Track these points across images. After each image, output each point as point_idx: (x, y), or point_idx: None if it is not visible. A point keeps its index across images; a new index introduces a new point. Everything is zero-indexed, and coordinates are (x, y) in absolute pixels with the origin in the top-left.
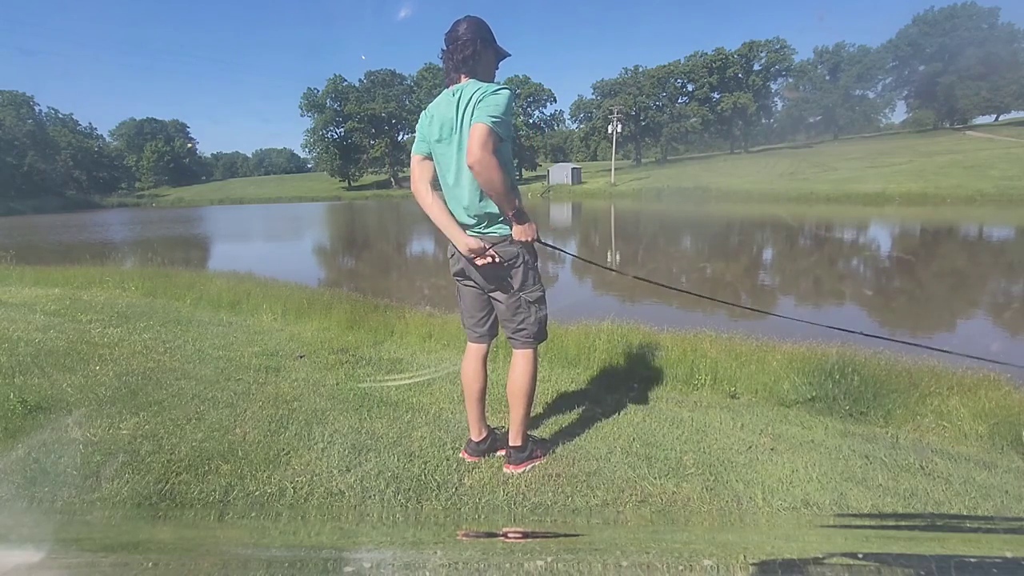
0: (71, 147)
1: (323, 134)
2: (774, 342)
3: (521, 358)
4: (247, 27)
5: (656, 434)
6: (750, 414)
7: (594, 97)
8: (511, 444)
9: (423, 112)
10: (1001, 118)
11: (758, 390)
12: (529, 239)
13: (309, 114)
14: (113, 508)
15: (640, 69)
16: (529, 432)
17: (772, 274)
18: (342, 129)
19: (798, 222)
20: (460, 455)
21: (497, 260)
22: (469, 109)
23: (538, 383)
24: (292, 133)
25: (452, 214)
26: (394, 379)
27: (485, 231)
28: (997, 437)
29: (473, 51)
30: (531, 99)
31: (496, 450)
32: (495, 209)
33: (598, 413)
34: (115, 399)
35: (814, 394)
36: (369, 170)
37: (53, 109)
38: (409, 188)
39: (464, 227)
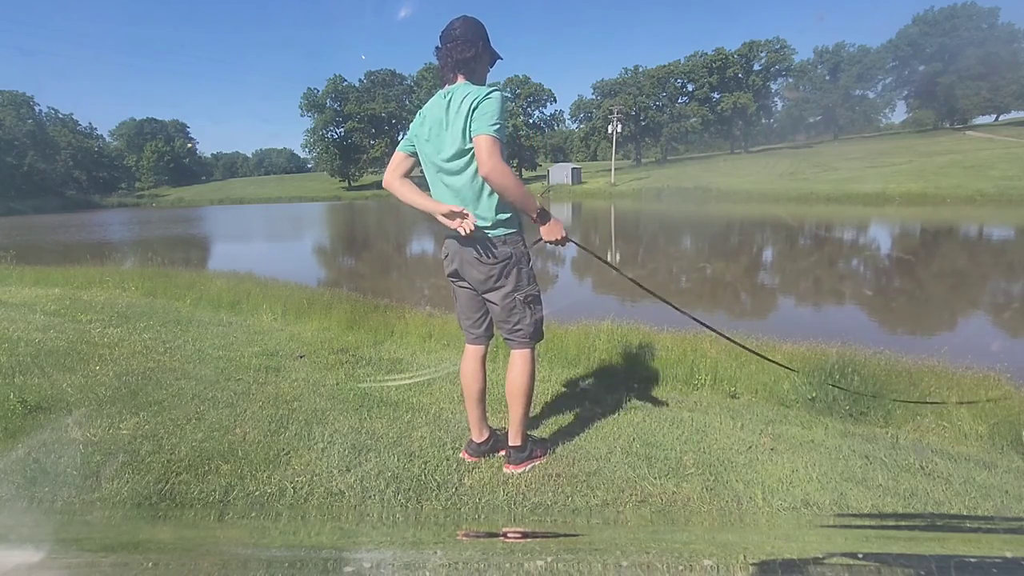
0: (71, 147)
1: (323, 134)
2: (774, 342)
3: (519, 358)
4: (247, 27)
5: (656, 434)
6: (750, 414)
7: (594, 97)
8: (511, 444)
9: (418, 112)
10: (1001, 118)
11: (758, 390)
12: (558, 238)
13: (309, 114)
14: (113, 508)
15: (640, 69)
16: (529, 432)
17: (771, 274)
18: (342, 129)
19: (798, 222)
20: (460, 455)
21: (475, 227)
22: (460, 116)
23: (538, 383)
24: (292, 133)
25: (420, 192)
26: (394, 379)
27: (482, 234)
28: (997, 437)
29: (475, 53)
30: (531, 99)
31: (497, 451)
32: (482, 211)
33: (598, 413)
34: (115, 399)
35: (814, 394)
36: (369, 170)
37: (53, 109)
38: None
39: (453, 238)
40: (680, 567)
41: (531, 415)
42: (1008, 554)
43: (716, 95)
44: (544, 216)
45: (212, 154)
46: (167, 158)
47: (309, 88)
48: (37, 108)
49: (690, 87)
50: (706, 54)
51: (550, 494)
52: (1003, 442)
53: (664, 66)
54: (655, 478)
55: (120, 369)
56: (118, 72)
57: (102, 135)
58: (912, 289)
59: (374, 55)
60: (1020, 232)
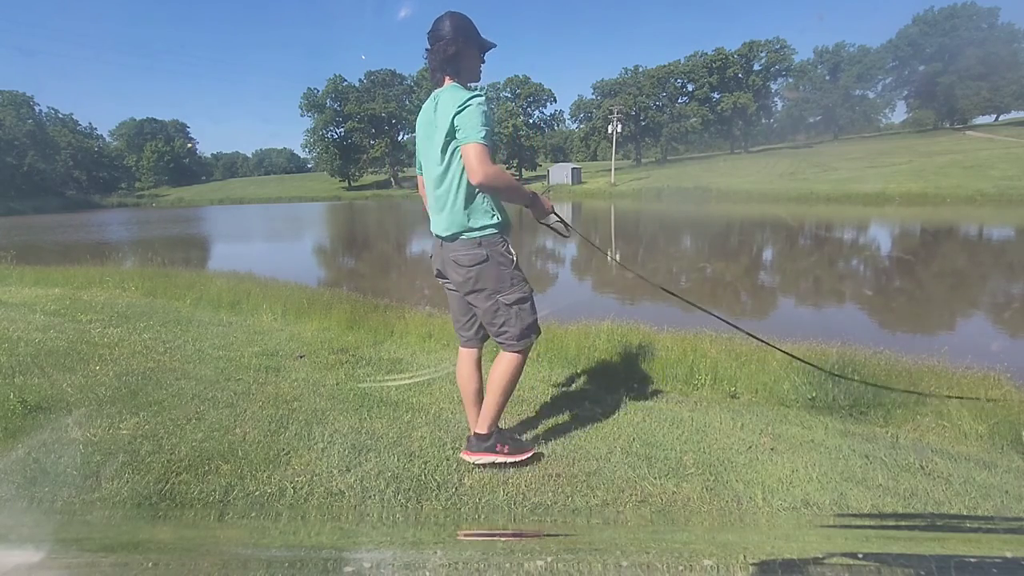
0: (71, 147)
1: (323, 134)
2: (774, 342)
3: (506, 358)
4: (247, 27)
5: (656, 434)
6: (750, 414)
7: (594, 97)
8: (475, 431)
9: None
10: (1001, 118)
11: (758, 390)
12: (549, 208)
13: (309, 114)
14: (113, 508)
15: (640, 69)
16: (516, 434)
17: (771, 274)
18: (342, 129)
19: (798, 222)
20: (461, 455)
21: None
22: (441, 129)
23: (538, 383)
24: (292, 133)
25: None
26: (394, 379)
27: (455, 238)
28: (997, 437)
29: (456, 50)
30: (531, 99)
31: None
32: (457, 213)
33: (598, 413)
34: (115, 399)
35: (814, 394)
36: (369, 170)
37: (53, 109)
38: (409, 188)
39: (439, 237)
40: (680, 567)
41: (531, 414)
42: (1008, 554)
43: (716, 95)
44: (535, 200)
45: (212, 154)
46: (167, 158)
47: (309, 88)
48: (37, 108)
49: (690, 87)
50: (706, 54)
51: (550, 494)
52: (1003, 442)
53: (664, 66)
54: (655, 478)
55: (120, 369)
56: (118, 72)
57: (102, 135)
58: (912, 289)
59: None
60: (1020, 232)
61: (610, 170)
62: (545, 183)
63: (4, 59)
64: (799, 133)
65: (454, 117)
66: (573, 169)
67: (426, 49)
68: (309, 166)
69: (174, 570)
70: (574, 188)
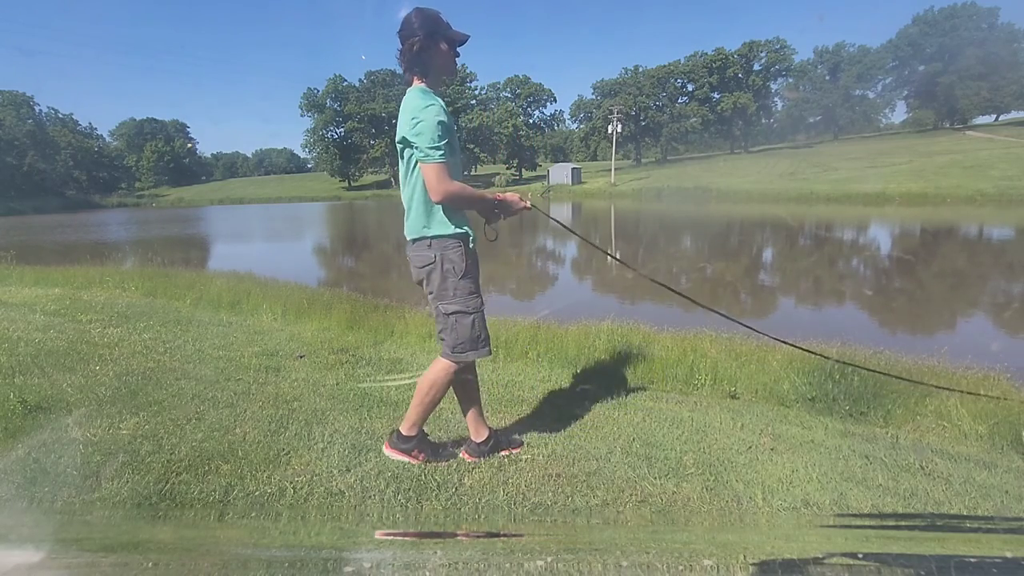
0: (71, 147)
1: (323, 134)
2: (774, 342)
3: (437, 364)
4: (247, 27)
5: (656, 434)
6: (750, 414)
7: (594, 97)
8: (399, 427)
9: None
10: (1001, 118)
11: (758, 390)
12: (521, 206)
13: (309, 114)
14: (113, 508)
15: (640, 69)
16: (514, 433)
17: (771, 274)
18: (342, 129)
19: (798, 222)
20: (460, 455)
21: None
22: (403, 133)
23: (538, 382)
24: (292, 133)
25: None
26: (394, 379)
27: (414, 241)
28: (997, 437)
29: (420, 47)
30: (531, 99)
31: (499, 450)
32: (415, 216)
33: (598, 413)
34: (115, 399)
35: (814, 394)
36: (369, 170)
37: (53, 109)
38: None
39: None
40: (680, 567)
41: (531, 414)
42: (1008, 554)
43: (716, 95)
44: (501, 204)
45: (212, 154)
46: (167, 158)
47: (309, 88)
48: (37, 108)
49: (690, 87)
50: (706, 54)
51: (550, 494)
52: (1003, 442)
53: (664, 66)
54: (655, 478)
55: (120, 369)
56: (118, 72)
57: (102, 135)
58: (912, 289)
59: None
60: (1020, 232)
61: (610, 170)
62: (545, 183)
63: (4, 59)
64: (799, 133)
65: (410, 129)
66: (573, 169)
67: (398, 50)
68: (309, 166)
69: (174, 570)
70: (574, 188)
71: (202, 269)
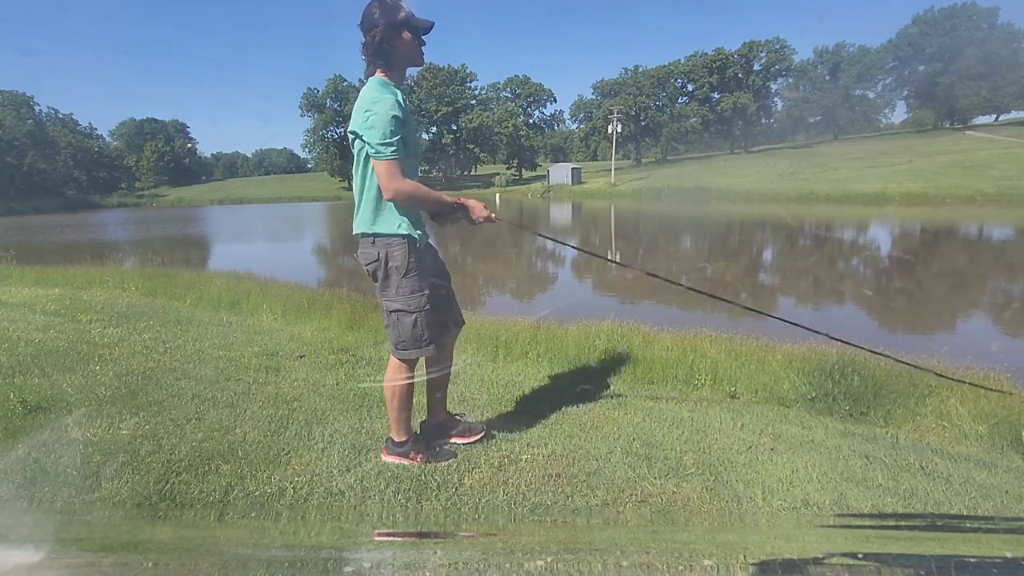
0: (71, 147)
1: (323, 134)
2: (774, 342)
3: (390, 363)
4: (247, 27)
5: (656, 434)
6: (750, 414)
7: (594, 97)
8: (392, 437)
9: None
10: (1001, 118)
11: (758, 390)
12: (484, 216)
13: (309, 114)
14: (113, 508)
15: (640, 69)
16: (453, 440)
17: (771, 274)
18: (342, 129)
19: (798, 222)
20: (380, 454)
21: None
22: (355, 128)
23: (538, 382)
24: (292, 133)
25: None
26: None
27: (361, 236)
28: (997, 437)
29: (383, 38)
30: (531, 99)
31: (415, 457)
32: (364, 213)
33: (598, 413)
34: (115, 399)
35: (814, 394)
36: None
37: (53, 109)
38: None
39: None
40: (680, 567)
41: (531, 414)
42: (1008, 554)
43: (716, 95)
44: (460, 208)
45: (212, 154)
46: (167, 158)
47: (309, 88)
48: (37, 108)
49: (690, 87)
50: (706, 54)
51: (550, 494)
52: (1003, 442)
53: (664, 66)
54: (655, 478)
55: (120, 369)
56: (118, 72)
57: (102, 135)
58: (912, 289)
59: None
60: (1020, 232)
61: (610, 170)
62: (545, 183)
63: (4, 59)
64: (799, 133)
65: (362, 123)
66: (573, 169)
67: (361, 43)
68: (309, 166)
69: (174, 570)
70: (574, 188)
71: (202, 269)
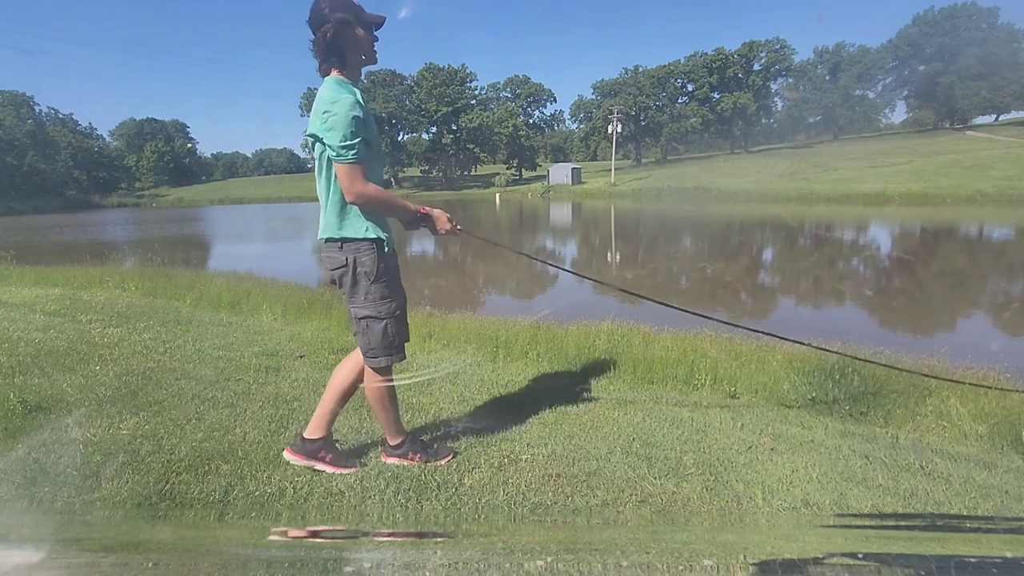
0: (71, 147)
1: None
2: (774, 342)
3: (367, 372)
4: (247, 27)
5: (656, 434)
6: (750, 414)
7: (594, 97)
8: (388, 440)
9: None
10: (1001, 118)
11: (758, 390)
12: (448, 228)
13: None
14: (113, 508)
15: (640, 69)
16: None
17: (771, 274)
18: None
19: (798, 222)
20: (284, 452)
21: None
22: (315, 131)
23: (539, 382)
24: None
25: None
26: (394, 379)
27: (326, 241)
28: (997, 437)
29: (334, 34)
30: (531, 99)
31: (315, 458)
32: (328, 216)
33: (598, 413)
34: (115, 399)
35: (814, 394)
36: None
37: (53, 109)
38: (409, 188)
39: (321, 239)
40: (680, 567)
41: (530, 414)
42: (1008, 554)
43: (716, 95)
44: (424, 218)
45: (212, 154)
46: (167, 158)
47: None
48: (37, 108)
49: (690, 87)
50: (706, 54)
51: (550, 494)
52: (1003, 442)
53: (664, 66)
54: (655, 478)
55: (120, 369)
56: (118, 72)
57: (102, 135)
58: (912, 289)
59: None
60: (1020, 232)
61: (610, 170)
62: (545, 183)
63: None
64: (799, 133)
65: (321, 124)
66: (573, 169)
67: (310, 41)
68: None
69: (174, 570)
70: (574, 188)
71: (202, 269)
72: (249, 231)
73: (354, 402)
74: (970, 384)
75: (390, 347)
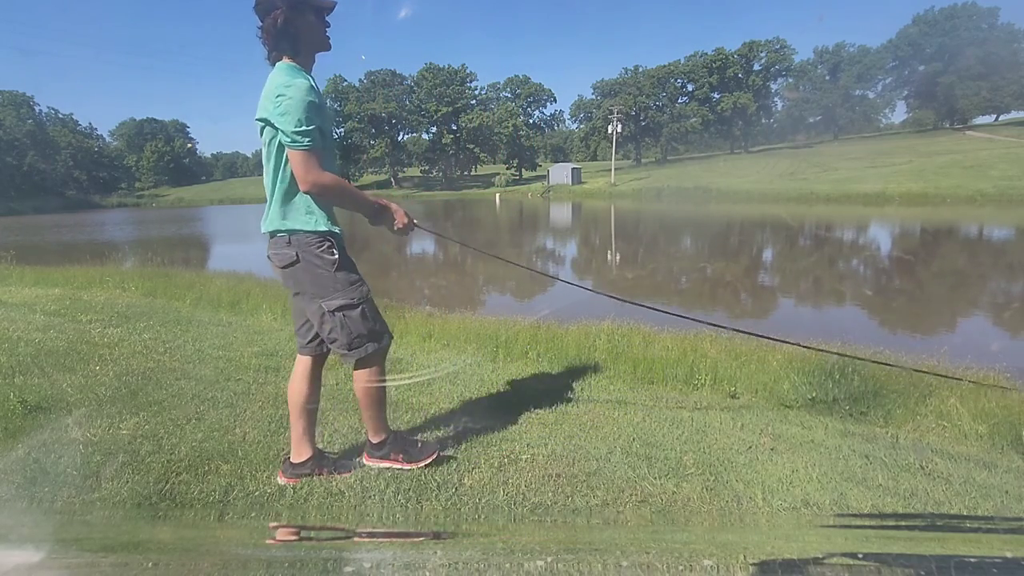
0: (71, 147)
1: None
2: (774, 342)
3: (355, 373)
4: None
5: (656, 434)
6: (750, 414)
7: (594, 97)
8: (370, 438)
9: None
10: (1001, 118)
11: (758, 390)
12: (403, 224)
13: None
14: (113, 508)
15: (640, 69)
16: (509, 429)
17: (771, 274)
18: (342, 129)
19: (798, 222)
20: (276, 476)
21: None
22: (265, 114)
23: (538, 382)
24: None
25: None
26: (394, 379)
27: (271, 235)
28: (997, 437)
29: (285, 20)
30: (531, 99)
31: (319, 473)
32: (274, 210)
33: (598, 413)
34: (115, 399)
35: (814, 394)
36: (369, 170)
37: (53, 109)
38: (409, 188)
39: (266, 233)
40: (680, 567)
41: (530, 414)
42: (1008, 554)
43: (716, 95)
44: (382, 212)
45: (212, 154)
46: (167, 158)
47: None
48: (37, 108)
49: (690, 87)
50: (706, 54)
51: (550, 494)
52: (1003, 442)
53: (664, 66)
54: (655, 478)
55: (120, 369)
56: (118, 72)
57: (102, 135)
58: (912, 289)
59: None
60: (1020, 232)
61: (610, 170)
62: (545, 183)
63: (4, 59)
64: (799, 133)
65: (274, 109)
66: (573, 169)
67: (258, 28)
68: None
69: (174, 570)
70: (574, 188)
71: (202, 269)
72: (249, 231)
73: (353, 401)
74: (969, 382)
75: (374, 332)
